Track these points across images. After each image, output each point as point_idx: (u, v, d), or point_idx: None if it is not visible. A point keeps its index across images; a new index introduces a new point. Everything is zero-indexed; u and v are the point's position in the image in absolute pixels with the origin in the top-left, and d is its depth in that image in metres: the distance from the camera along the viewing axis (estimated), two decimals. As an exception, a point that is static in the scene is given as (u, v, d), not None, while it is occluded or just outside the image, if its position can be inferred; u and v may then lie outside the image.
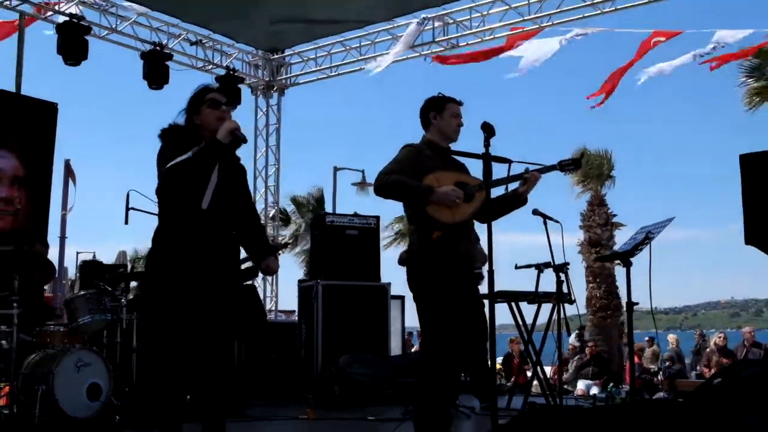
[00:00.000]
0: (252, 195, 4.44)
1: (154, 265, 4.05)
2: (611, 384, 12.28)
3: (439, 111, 4.53)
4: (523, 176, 4.47)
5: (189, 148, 3.85)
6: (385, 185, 4.35)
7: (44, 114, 8.80)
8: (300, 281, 8.70)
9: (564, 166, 4.56)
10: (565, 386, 11.57)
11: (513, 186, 4.52)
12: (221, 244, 3.99)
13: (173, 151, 3.88)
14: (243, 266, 7.53)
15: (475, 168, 4.56)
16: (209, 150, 3.86)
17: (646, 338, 14.79)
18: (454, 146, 4.59)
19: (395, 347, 9.41)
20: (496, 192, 4.47)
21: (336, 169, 14.10)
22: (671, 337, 14.50)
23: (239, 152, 4.22)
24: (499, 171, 4.47)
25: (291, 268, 23.19)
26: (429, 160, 4.43)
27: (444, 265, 4.31)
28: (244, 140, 3.97)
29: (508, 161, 4.43)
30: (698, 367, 13.41)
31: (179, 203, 3.93)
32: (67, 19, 9.80)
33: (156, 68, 10.78)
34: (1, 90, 8.80)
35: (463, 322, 4.32)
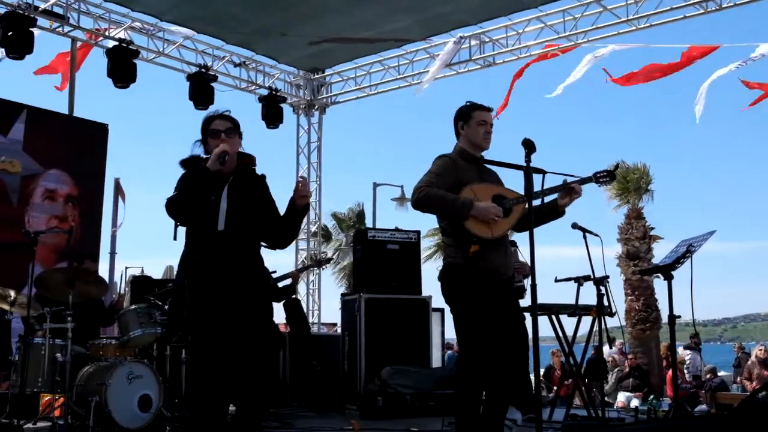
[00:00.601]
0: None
1: (179, 287, 4.08)
2: (652, 396, 12.08)
3: (466, 120, 4.47)
4: (567, 187, 4.36)
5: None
6: (424, 199, 4.26)
7: (96, 134, 8.98)
8: (343, 295, 8.73)
9: (599, 178, 4.46)
10: (606, 398, 11.41)
11: (549, 197, 4.43)
12: (242, 262, 4.02)
13: (180, 183, 4.07)
14: (281, 284, 7.62)
15: (506, 176, 4.56)
16: (198, 178, 3.93)
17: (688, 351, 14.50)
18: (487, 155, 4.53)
19: (436, 360, 9.37)
20: (533, 203, 4.34)
21: (376, 185, 14.15)
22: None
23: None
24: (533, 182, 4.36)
25: (332, 282, 23.33)
26: (464, 171, 4.36)
27: (481, 278, 4.26)
28: (222, 162, 3.92)
29: (543, 172, 4.32)
30: (739, 379, 13.15)
31: (197, 228, 4.02)
32: (117, 43, 9.99)
33: (201, 89, 10.93)
34: (56, 112, 9.00)
35: (500, 334, 4.26)
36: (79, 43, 10.19)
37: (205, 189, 3.94)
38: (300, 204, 4.04)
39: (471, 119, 4.45)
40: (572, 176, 4.42)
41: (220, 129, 4.10)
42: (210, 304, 3.90)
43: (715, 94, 9.93)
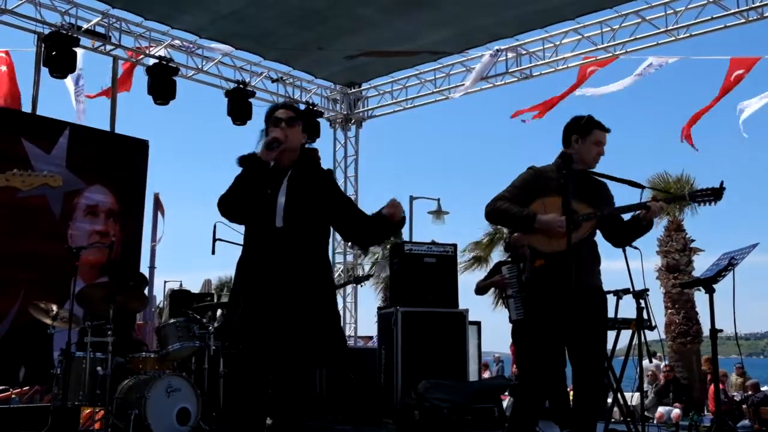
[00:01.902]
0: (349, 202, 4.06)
1: (233, 290, 3.84)
2: (692, 411, 11.83)
3: (582, 135, 4.37)
4: (646, 205, 4.26)
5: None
6: (493, 212, 4.34)
7: (136, 151, 9.07)
8: (380, 308, 8.70)
9: (695, 197, 4.24)
10: (645, 413, 11.19)
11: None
12: (302, 261, 3.72)
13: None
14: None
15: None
16: (247, 168, 3.70)
17: (736, 365, 14.19)
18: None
19: (473, 373, 9.28)
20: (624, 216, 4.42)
21: (412, 198, 14.10)
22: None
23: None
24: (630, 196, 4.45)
25: (368, 295, 23.32)
26: (550, 183, 4.28)
27: (544, 292, 4.26)
28: (270, 148, 3.69)
29: (642, 187, 4.30)
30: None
31: (252, 225, 3.78)
32: (157, 61, 10.13)
33: (239, 105, 11.02)
34: (98, 129, 9.13)
35: (561, 348, 4.26)
36: (121, 62, 10.35)
37: (254, 180, 3.69)
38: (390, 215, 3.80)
39: (589, 136, 4.36)
40: (669, 194, 4.30)
41: (281, 117, 3.83)
42: (263, 308, 3.62)
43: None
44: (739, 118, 9.83)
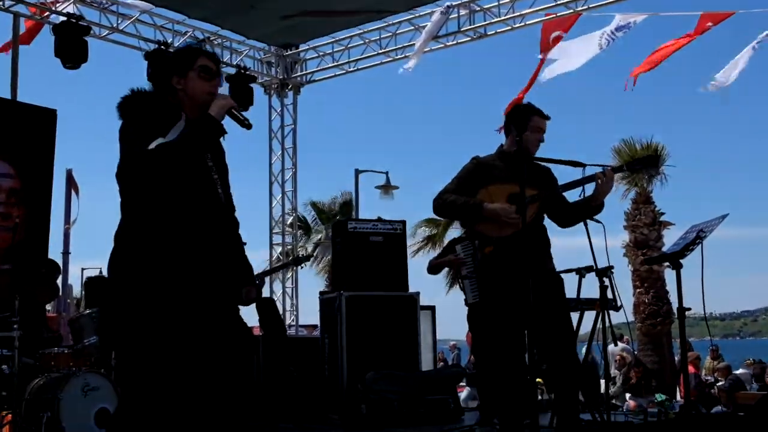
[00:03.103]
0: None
1: (137, 274, 3.36)
2: (663, 397, 12.13)
3: (522, 123, 4.80)
4: (588, 178, 4.72)
5: (165, 124, 3.39)
6: (440, 206, 4.89)
7: (42, 121, 8.88)
8: (321, 293, 8.70)
9: (633, 166, 4.87)
10: (613, 401, 11.44)
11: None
12: (235, 243, 3.68)
13: (144, 127, 3.35)
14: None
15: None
16: (203, 129, 3.40)
17: (711, 348, 14.51)
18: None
19: (426, 362, 9.37)
20: (572, 197, 4.92)
21: (358, 172, 14.11)
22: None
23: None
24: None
25: (312, 279, 23.24)
26: (494, 171, 4.78)
27: (497, 277, 4.71)
28: (247, 124, 3.52)
29: (582, 165, 4.73)
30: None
31: (184, 196, 3.40)
32: (65, 19, 9.89)
33: (161, 69, 10.84)
34: (-4, 97, 8.91)
35: (518, 330, 4.68)
36: (23, 20, 10.09)
37: (208, 144, 3.45)
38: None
39: (529, 123, 4.80)
40: (607, 166, 4.77)
41: (213, 69, 3.56)
42: (200, 300, 3.39)
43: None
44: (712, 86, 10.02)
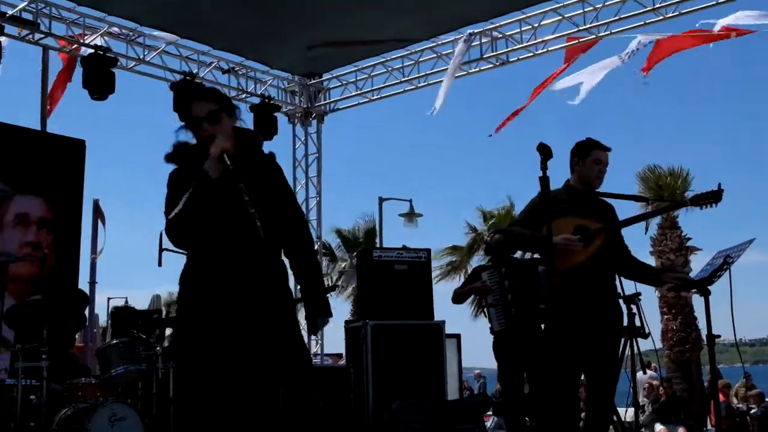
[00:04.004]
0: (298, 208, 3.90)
1: (178, 310, 3.71)
2: (690, 423, 11.98)
3: (582, 157, 4.99)
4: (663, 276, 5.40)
5: (191, 174, 3.51)
6: (506, 239, 5.49)
7: (71, 152, 8.99)
8: (347, 322, 8.69)
9: (697, 202, 4.87)
10: (642, 429, 11.32)
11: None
12: (279, 275, 3.68)
13: (170, 193, 3.59)
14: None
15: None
16: (199, 192, 3.48)
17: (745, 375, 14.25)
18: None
19: (452, 390, 9.31)
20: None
21: (381, 200, 14.13)
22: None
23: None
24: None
25: (338, 307, 23.18)
26: (560, 205, 4.87)
27: (564, 308, 4.81)
28: (224, 162, 3.50)
29: (646, 199, 5.03)
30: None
31: (225, 240, 3.53)
32: (93, 51, 10.03)
33: (187, 99, 10.94)
34: (26, 128, 9.03)
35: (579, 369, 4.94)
36: (54, 54, 10.24)
37: (208, 197, 3.48)
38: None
39: (588, 156, 4.97)
40: (672, 202, 4.91)
41: (200, 116, 3.58)
42: (248, 331, 3.53)
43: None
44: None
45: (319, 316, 3.84)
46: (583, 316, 4.84)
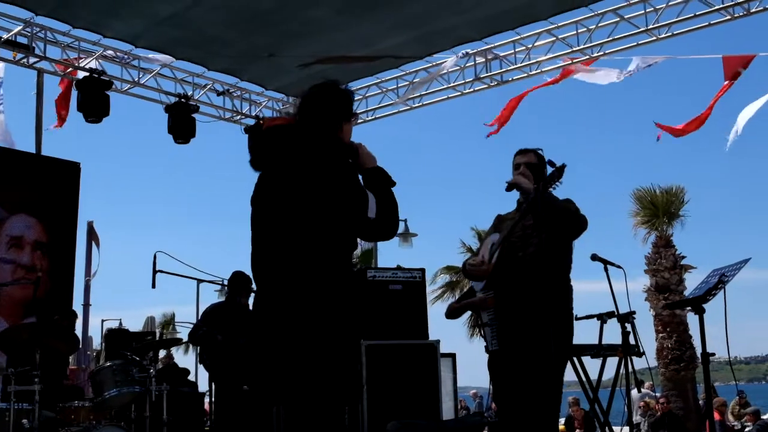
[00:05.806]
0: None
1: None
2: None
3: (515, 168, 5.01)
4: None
5: None
6: (465, 271, 5.33)
7: (67, 174, 8.98)
8: (341, 342, 8.64)
9: (547, 184, 4.82)
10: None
11: None
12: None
13: (359, 188, 3.56)
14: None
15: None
16: (390, 181, 3.66)
17: (739, 393, 14.25)
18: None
19: (448, 410, 9.25)
20: None
21: (376, 220, 14.08)
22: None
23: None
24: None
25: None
26: (505, 224, 4.99)
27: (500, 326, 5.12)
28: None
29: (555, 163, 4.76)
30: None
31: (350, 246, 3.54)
32: (87, 74, 10.03)
33: (182, 121, 10.97)
34: (21, 151, 9.02)
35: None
36: (50, 78, 10.25)
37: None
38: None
39: (513, 168, 5.00)
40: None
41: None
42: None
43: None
44: (732, 128, 10.07)
45: None
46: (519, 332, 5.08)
